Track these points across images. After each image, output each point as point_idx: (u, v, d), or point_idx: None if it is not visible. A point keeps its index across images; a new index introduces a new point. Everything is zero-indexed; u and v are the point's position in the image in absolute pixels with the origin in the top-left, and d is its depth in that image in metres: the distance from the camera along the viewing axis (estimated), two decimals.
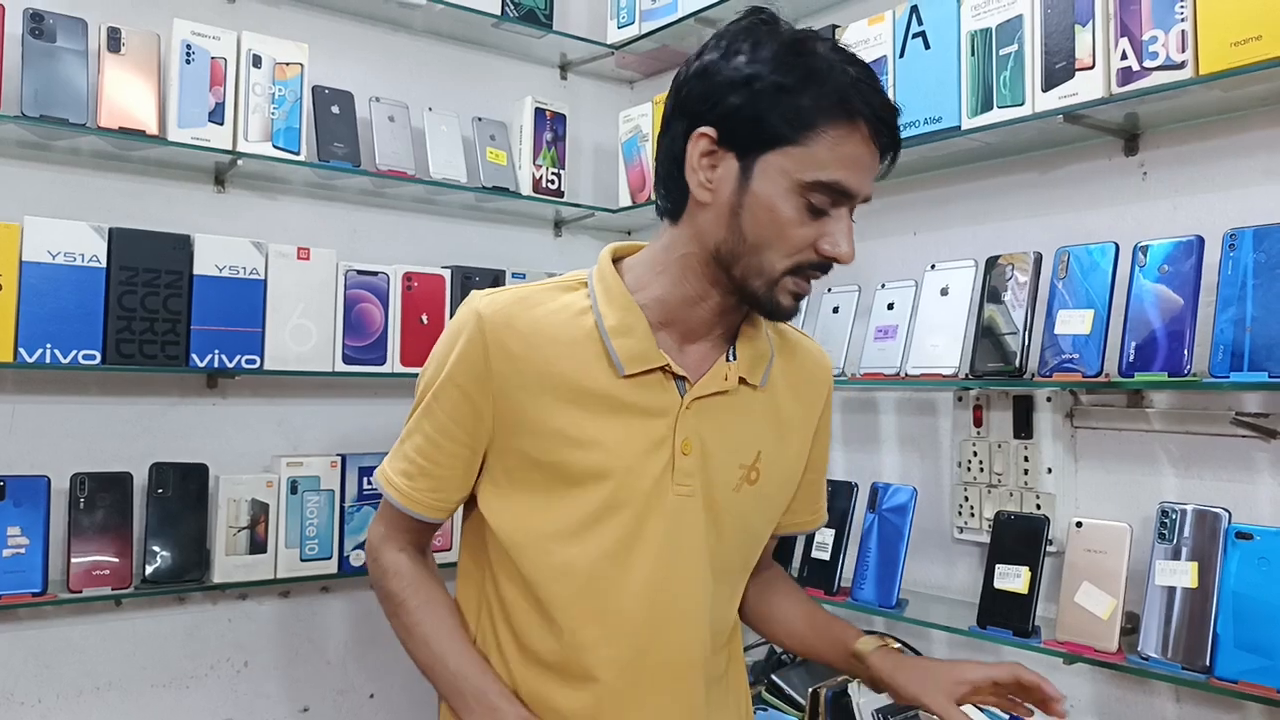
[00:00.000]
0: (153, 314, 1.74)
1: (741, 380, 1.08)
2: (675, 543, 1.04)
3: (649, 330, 1.03)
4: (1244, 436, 1.38)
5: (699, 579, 1.07)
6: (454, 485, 1.08)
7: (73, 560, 1.68)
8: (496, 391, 1.03)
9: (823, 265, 1.00)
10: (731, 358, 1.08)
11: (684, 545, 1.05)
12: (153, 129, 1.77)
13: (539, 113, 2.25)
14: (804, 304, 1.87)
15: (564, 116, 2.29)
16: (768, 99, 0.93)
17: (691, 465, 1.04)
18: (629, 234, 2.52)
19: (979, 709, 1.55)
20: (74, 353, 1.67)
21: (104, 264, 1.70)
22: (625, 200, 2.27)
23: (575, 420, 1.01)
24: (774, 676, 1.80)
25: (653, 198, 2.07)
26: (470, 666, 1.05)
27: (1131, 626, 1.36)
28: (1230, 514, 1.29)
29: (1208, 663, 1.25)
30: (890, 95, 1.66)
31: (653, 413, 1.03)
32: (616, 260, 1.09)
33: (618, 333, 1.02)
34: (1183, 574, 1.30)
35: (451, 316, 2.03)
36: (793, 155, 0.94)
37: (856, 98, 0.94)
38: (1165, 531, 1.34)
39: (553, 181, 2.27)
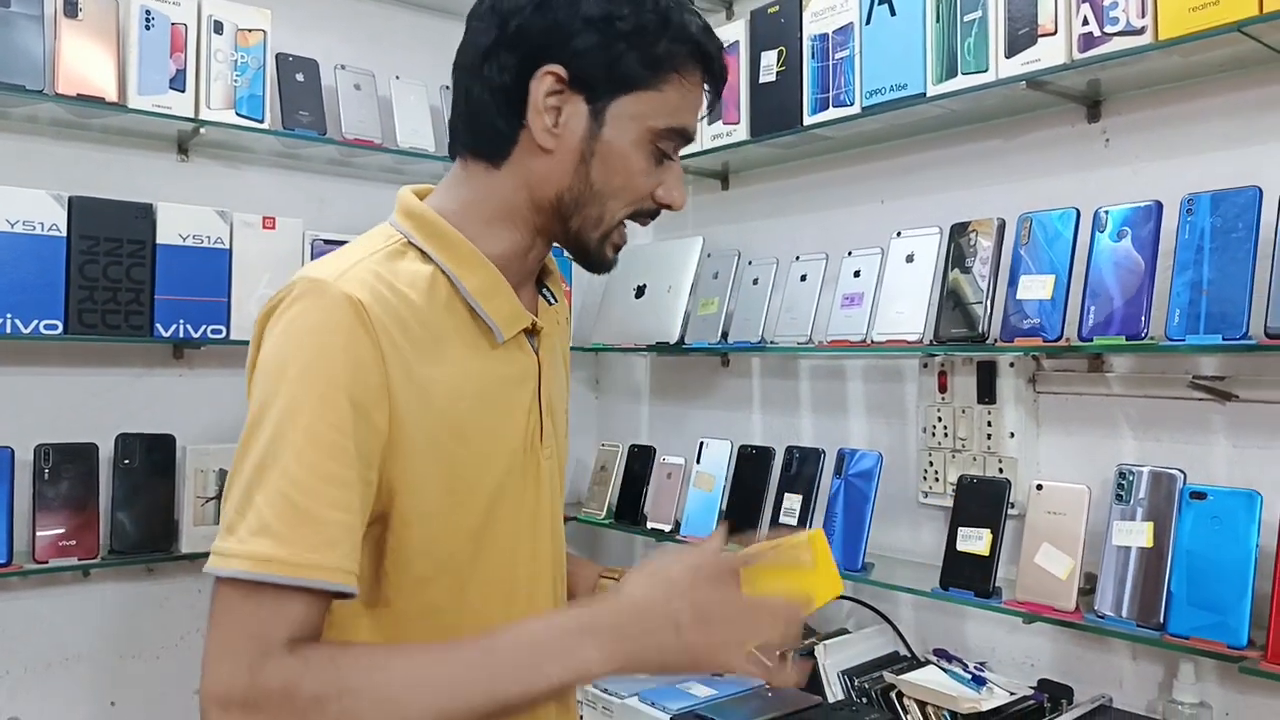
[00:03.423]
0: (115, 284, 1.72)
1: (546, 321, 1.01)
2: (550, 506, 1.00)
3: (510, 288, 0.93)
4: (1200, 399, 1.41)
5: (559, 534, 1.03)
6: (359, 536, 0.81)
7: (38, 532, 1.66)
8: (393, 394, 0.83)
9: (653, 213, 0.96)
10: (552, 300, 1.03)
11: (553, 506, 1.01)
12: (112, 96, 1.74)
13: None
14: (772, 272, 1.87)
15: None
16: (627, 41, 0.88)
17: (551, 426, 0.99)
18: None
19: (944, 669, 1.58)
20: (35, 323, 1.65)
21: (64, 233, 1.68)
22: None
23: (467, 407, 0.89)
24: None
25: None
26: (506, 633, 0.80)
27: (1089, 586, 1.39)
28: (1185, 475, 1.31)
29: (1161, 620, 1.28)
30: (856, 63, 1.68)
31: (523, 378, 0.95)
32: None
33: (485, 296, 0.91)
34: (1139, 534, 1.33)
35: None
36: (646, 100, 0.90)
37: (708, 44, 0.92)
38: (1122, 493, 1.36)
39: None
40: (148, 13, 1.77)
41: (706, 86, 0.95)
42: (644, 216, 0.96)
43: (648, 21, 0.89)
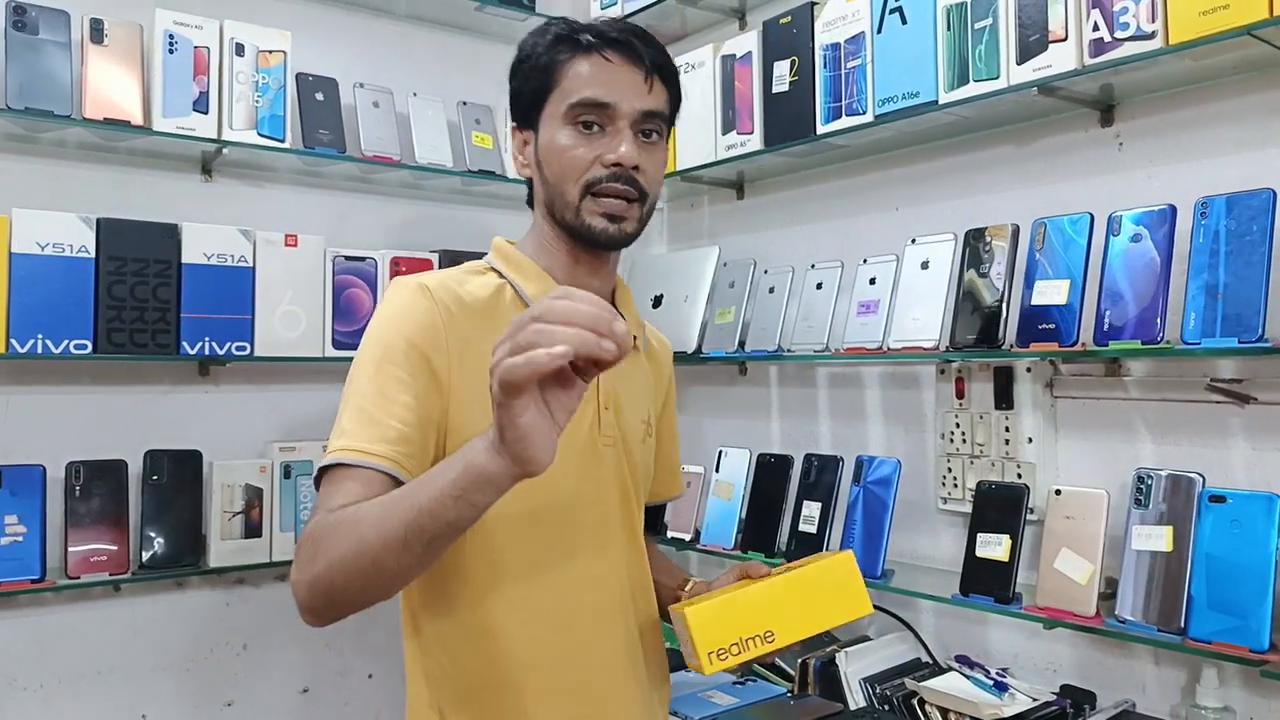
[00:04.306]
0: (142, 303, 1.75)
1: (634, 340, 1.19)
2: (619, 494, 1.17)
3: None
4: (1218, 402, 1.40)
5: (629, 520, 1.19)
6: (425, 459, 1.03)
7: (70, 547, 1.70)
8: (455, 359, 1.05)
9: (614, 177, 1.10)
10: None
11: (623, 497, 1.18)
12: (138, 119, 1.78)
13: None
14: (788, 281, 1.87)
15: None
16: (525, 69, 1.15)
17: (611, 418, 1.16)
18: None
19: (966, 676, 1.58)
20: (65, 343, 1.69)
21: (93, 254, 1.71)
22: None
23: None
24: None
25: None
26: (431, 473, 0.89)
27: (1110, 591, 1.39)
28: (1204, 478, 1.31)
29: (1182, 624, 1.28)
30: (869, 71, 1.69)
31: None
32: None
33: (540, 295, 1.11)
34: (1158, 538, 1.33)
35: None
36: (553, 99, 1.13)
37: (582, 32, 1.13)
38: (1141, 497, 1.36)
39: None
40: (171, 37, 1.81)
41: (607, 57, 1.11)
42: (607, 184, 1.10)
43: (526, 46, 1.16)
